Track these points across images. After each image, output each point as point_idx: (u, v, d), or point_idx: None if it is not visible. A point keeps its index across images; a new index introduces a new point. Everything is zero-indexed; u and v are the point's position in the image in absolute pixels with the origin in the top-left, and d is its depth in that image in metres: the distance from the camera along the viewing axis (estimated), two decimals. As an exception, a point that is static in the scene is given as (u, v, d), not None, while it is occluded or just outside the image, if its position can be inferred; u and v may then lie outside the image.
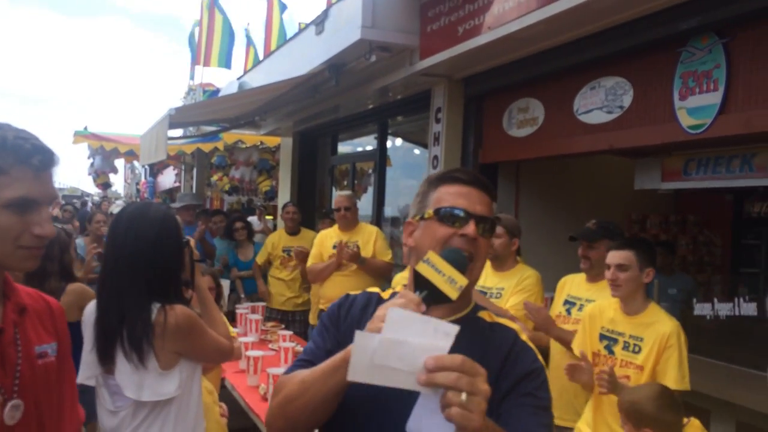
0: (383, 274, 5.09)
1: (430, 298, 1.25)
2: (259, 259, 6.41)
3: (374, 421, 1.33)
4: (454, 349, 1.22)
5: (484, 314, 1.49)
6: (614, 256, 2.83)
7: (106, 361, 1.99)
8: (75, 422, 1.54)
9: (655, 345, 2.71)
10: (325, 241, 5.18)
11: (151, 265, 2.00)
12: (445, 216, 1.41)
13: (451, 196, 1.43)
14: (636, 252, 2.81)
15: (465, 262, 1.35)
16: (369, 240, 5.09)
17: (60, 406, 1.50)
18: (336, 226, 5.25)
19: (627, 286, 2.79)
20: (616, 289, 2.81)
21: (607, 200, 5.72)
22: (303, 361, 1.45)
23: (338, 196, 5.22)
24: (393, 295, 1.50)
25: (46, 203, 1.33)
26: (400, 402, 1.22)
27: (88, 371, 2.04)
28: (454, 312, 1.43)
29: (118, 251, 2.01)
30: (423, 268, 1.27)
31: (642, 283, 2.82)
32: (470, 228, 1.39)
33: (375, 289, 1.59)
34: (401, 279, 4.31)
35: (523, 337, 1.44)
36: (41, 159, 1.31)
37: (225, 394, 3.69)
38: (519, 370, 1.36)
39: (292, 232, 6.32)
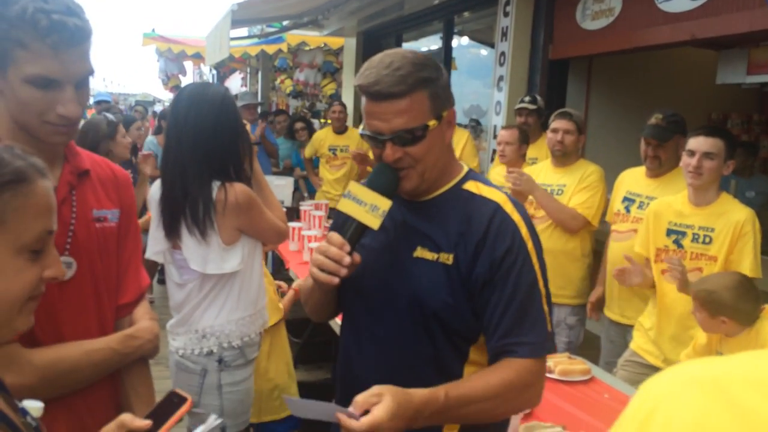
0: None
1: (358, 232, 1.33)
2: (307, 153, 6.56)
3: (377, 293, 1.45)
4: (437, 220, 1.41)
5: (470, 185, 1.45)
6: (703, 143, 2.64)
7: (172, 236, 2.07)
8: (136, 288, 1.58)
9: (728, 234, 2.61)
10: None
11: (211, 143, 2.02)
12: (367, 140, 1.39)
13: (367, 115, 1.36)
14: (725, 141, 2.65)
15: (393, 177, 1.36)
16: (458, 143, 4.95)
17: (120, 271, 1.54)
18: None
19: (710, 175, 2.64)
20: (697, 177, 2.65)
21: (684, 98, 5.42)
22: None
23: None
24: None
25: (70, 82, 1.28)
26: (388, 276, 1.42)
27: (156, 247, 2.14)
28: (434, 189, 1.43)
29: (180, 130, 2.04)
30: (343, 205, 1.35)
31: (721, 174, 2.68)
32: (385, 152, 1.34)
33: None
34: (496, 175, 4.27)
35: (507, 208, 1.40)
36: (58, 38, 1.22)
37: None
38: (498, 250, 1.35)
39: (339, 130, 6.35)
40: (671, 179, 3.09)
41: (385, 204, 1.31)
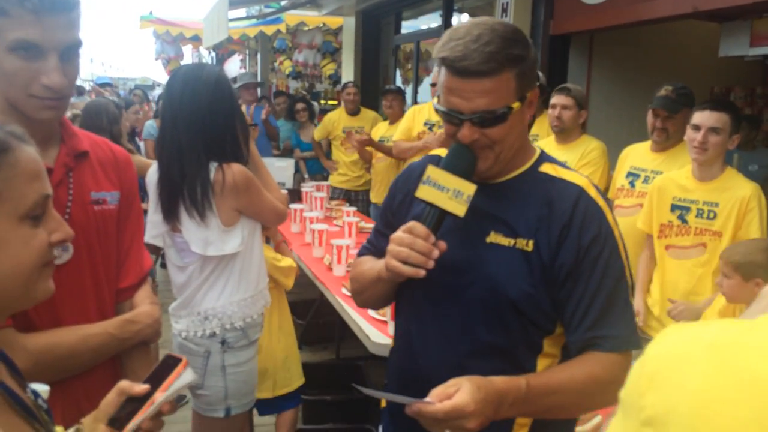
0: None
1: (440, 219, 1.24)
2: (317, 136, 6.46)
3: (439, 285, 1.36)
4: (512, 204, 1.32)
5: (548, 168, 1.36)
6: (709, 118, 2.62)
7: (171, 219, 2.06)
8: (137, 271, 1.56)
9: (734, 209, 2.59)
10: (416, 116, 5.01)
11: (207, 123, 2.00)
12: (443, 116, 1.30)
13: (446, 90, 1.27)
14: (731, 115, 2.63)
15: (472, 159, 1.27)
16: None
17: (120, 254, 1.52)
18: (430, 103, 5.09)
19: (714, 150, 2.62)
20: (702, 153, 2.63)
21: (687, 72, 5.35)
22: (368, 244, 1.59)
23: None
24: None
25: (53, 50, 1.25)
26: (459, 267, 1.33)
27: (154, 230, 2.13)
28: (508, 172, 1.35)
29: (175, 111, 2.02)
30: (423, 192, 1.24)
31: (726, 149, 2.66)
32: (463, 132, 1.25)
33: (437, 151, 1.51)
34: None
35: (592, 192, 1.32)
36: (38, 2, 1.20)
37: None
38: (585, 237, 1.27)
39: (352, 112, 6.28)
40: (677, 153, 3.07)
41: (469, 188, 1.22)
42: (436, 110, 1.31)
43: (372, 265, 1.42)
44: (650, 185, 3.00)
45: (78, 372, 1.39)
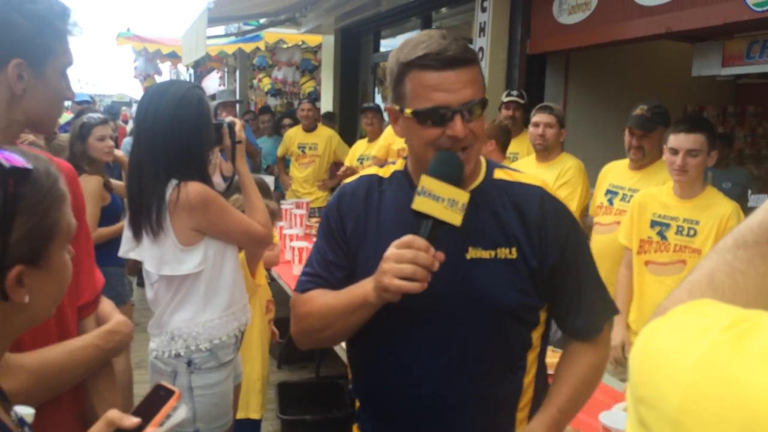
0: None
1: (436, 230, 1.20)
2: (279, 152, 6.58)
3: (403, 327, 1.34)
4: (483, 215, 1.31)
5: (501, 173, 1.38)
6: (685, 141, 2.62)
7: (138, 235, 2.03)
8: (91, 289, 1.50)
9: (714, 227, 2.61)
10: None
11: (169, 139, 1.97)
12: (426, 118, 1.24)
13: (427, 90, 1.22)
14: (706, 135, 2.64)
15: (460, 166, 1.24)
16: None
17: (73, 272, 1.48)
18: None
19: (695, 170, 2.64)
20: (683, 174, 2.64)
21: (661, 91, 5.45)
22: (313, 277, 1.43)
23: None
24: (393, 175, 1.42)
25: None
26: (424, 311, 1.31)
27: (126, 245, 2.10)
28: (470, 182, 1.34)
29: (139, 127, 2.02)
30: (419, 203, 1.20)
31: (705, 166, 2.69)
32: (457, 126, 1.22)
33: (371, 171, 1.47)
34: None
35: (550, 190, 1.39)
36: (74, 24, 1.31)
37: (273, 286, 3.79)
38: (562, 232, 1.34)
39: (308, 128, 6.35)
40: (654, 171, 3.11)
41: (463, 197, 1.19)
42: (417, 112, 1.25)
43: (337, 295, 1.33)
44: (631, 201, 3.03)
45: (67, 389, 1.33)
